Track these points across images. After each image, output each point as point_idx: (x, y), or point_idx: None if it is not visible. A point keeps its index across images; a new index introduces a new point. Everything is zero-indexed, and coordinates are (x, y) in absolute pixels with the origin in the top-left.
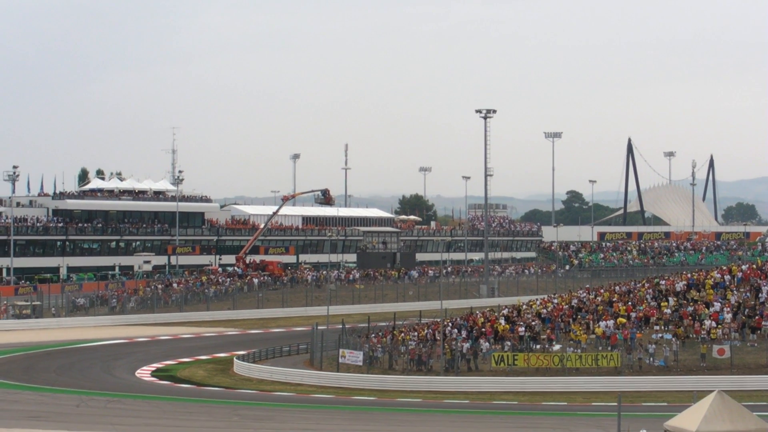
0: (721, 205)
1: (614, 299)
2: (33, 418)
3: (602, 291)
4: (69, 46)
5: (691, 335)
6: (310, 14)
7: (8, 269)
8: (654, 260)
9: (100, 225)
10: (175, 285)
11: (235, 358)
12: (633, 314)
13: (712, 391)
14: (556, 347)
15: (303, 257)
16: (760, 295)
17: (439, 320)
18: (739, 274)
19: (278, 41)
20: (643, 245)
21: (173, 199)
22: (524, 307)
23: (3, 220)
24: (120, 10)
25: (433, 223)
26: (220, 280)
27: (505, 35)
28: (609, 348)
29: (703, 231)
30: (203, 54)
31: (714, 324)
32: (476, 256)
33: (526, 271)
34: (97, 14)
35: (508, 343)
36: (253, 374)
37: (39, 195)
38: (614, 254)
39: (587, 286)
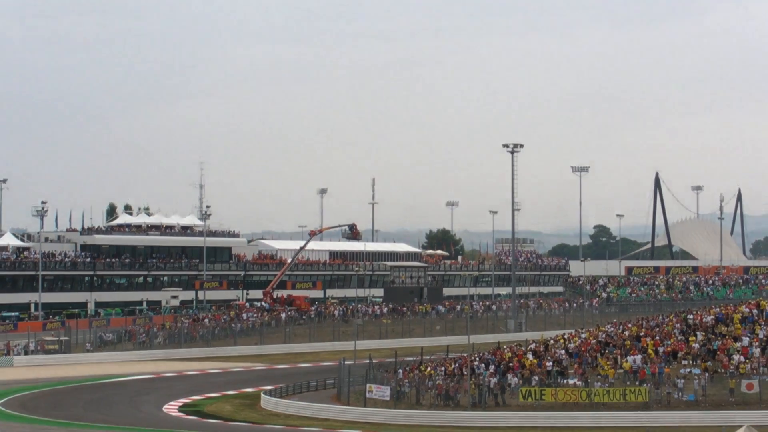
0: (749, 239)
1: (642, 334)
2: None
3: (630, 325)
4: (95, 81)
5: (719, 370)
6: (336, 48)
7: (36, 304)
8: (682, 295)
9: (127, 260)
10: (207, 321)
11: (262, 393)
12: (661, 349)
13: (741, 426)
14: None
15: (330, 292)
16: None
17: (466, 355)
18: None
19: (304, 75)
20: (670, 280)
21: (200, 234)
22: (551, 341)
23: (31, 256)
24: (144, 44)
25: (460, 258)
26: (246, 316)
27: (531, 69)
28: (637, 383)
29: (731, 265)
30: (229, 88)
31: (743, 358)
32: (503, 290)
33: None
34: (122, 50)
35: (536, 377)
36: (281, 409)
37: (67, 230)
38: (642, 289)
39: (615, 320)
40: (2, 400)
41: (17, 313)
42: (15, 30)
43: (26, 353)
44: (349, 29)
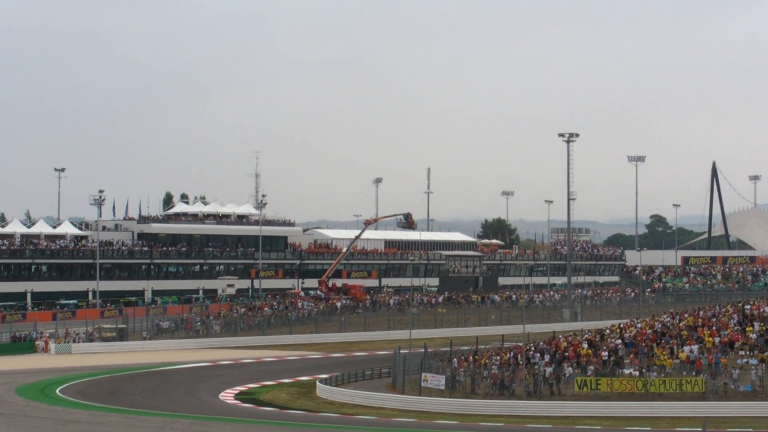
0: None
1: (698, 324)
2: None
3: (686, 315)
4: (151, 72)
5: None
6: (390, 40)
7: (94, 293)
8: (739, 285)
9: (184, 249)
10: (267, 309)
11: (317, 382)
12: (717, 339)
13: None
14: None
15: (385, 281)
16: None
17: (521, 344)
18: None
19: (360, 66)
20: (727, 269)
21: (256, 223)
22: (607, 331)
23: (89, 244)
24: (201, 36)
25: (515, 247)
26: (301, 305)
27: (587, 58)
28: (693, 373)
29: None
30: (286, 79)
31: None
32: (559, 280)
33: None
34: (180, 41)
35: (591, 367)
36: (336, 398)
37: (124, 219)
38: (699, 279)
39: (671, 310)
40: (61, 387)
41: (75, 301)
42: (69, 22)
43: (85, 341)
44: (402, 22)
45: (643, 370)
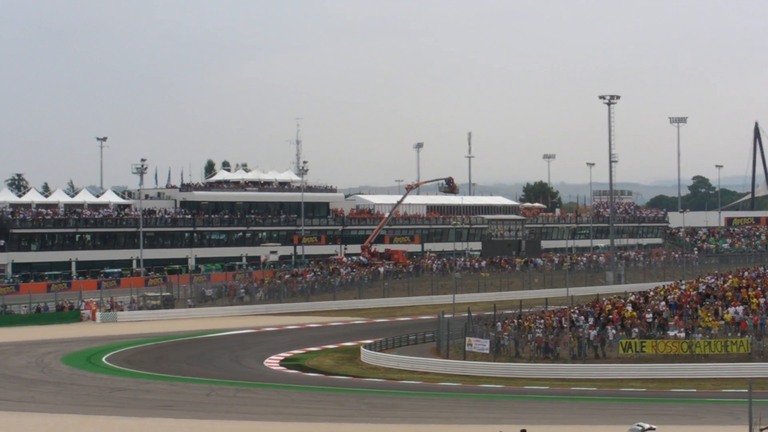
0: None
1: (743, 285)
2: (165, 407)
3: (730, 277)
4: (192, 38)
5: None
6: (432, 2)
7: (138, 261)
8: None
9: (226, 216)
10: (311, 275)
11: (362, 347)
12: (762, 300)
13: None
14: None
15: (428, 246)
16: None
17: (565, 307)
18: None
19: (401, 30)
20: None
21: (298, 189)
22: (651, 293)
23: (132, 213)
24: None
25: (557, 211)
26: (344, 270)
27: (628, 20)
28: (738, 334)
29: None
30: (326, 43)
31: None
32: (601, 243)
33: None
34: (219, 5)
35: (636, 329)
36: (380, 363)
37: (167, 187)
38: (743, 240)
39: (715, 272)
40: (107, 355)
41: (120, 270)
42: None
43: (130, 309)
44: None
45: (688, 332)
